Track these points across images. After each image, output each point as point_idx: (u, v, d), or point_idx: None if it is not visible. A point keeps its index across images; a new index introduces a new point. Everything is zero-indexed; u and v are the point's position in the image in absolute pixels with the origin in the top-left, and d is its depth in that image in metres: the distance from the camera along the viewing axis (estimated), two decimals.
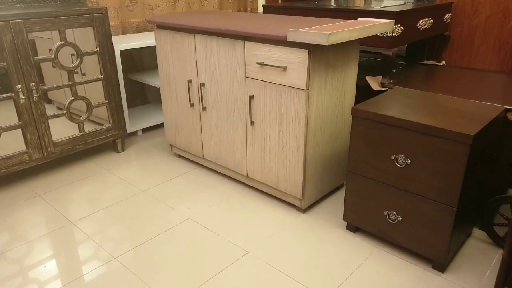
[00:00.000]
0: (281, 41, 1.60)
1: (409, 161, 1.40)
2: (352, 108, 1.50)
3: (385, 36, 2.13)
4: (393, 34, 2.12)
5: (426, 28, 2.39)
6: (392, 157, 1.43)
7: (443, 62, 2.78)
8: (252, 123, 1.81)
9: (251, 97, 1.77)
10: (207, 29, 1.81)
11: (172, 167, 2.29)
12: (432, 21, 2.43)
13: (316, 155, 1.74)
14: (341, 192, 1.99)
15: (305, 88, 1.57)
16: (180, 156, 2.41)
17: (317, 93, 1.63)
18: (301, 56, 1.53)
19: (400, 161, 1.42)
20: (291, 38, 1.49)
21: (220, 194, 2.00)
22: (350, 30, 1.49)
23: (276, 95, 1.68)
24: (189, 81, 2.05)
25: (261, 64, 1.67)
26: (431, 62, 2.80)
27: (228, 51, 1.80)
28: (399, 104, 1.53)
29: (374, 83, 2.26)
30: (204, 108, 2.03)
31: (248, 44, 1.70)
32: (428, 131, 1.33)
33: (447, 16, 2.62)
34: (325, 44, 1.40)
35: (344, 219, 1.67)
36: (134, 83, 3.02)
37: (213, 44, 1.85)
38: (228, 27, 1.73)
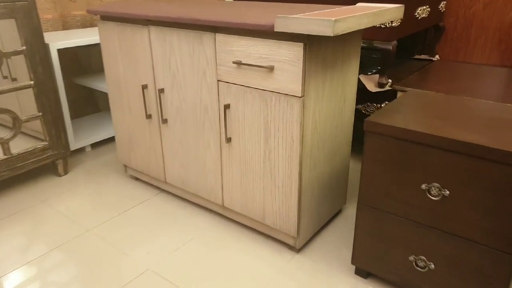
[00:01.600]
0: (266, 32, 1.19)
1: (447, 192, 1.03)
2: (366, 121, 1.11)
3: (382, 26, 1.77)
4: (392, 24, 1.76)
5: (423, 17, 2.05)
6: (423, 186, 1.06)
7: (437, 56, 2.46)
8: (228, 139, 1.40)
9: (226, 107, 1.35)
10: (164, 18, 1.37)
11: (127, 193, 1.83)
12: (429, 9, 2.10)
13: (313, 178, 1.35)
14: (340, 220, 1.61)
15: (300, 95, 1.17)
16: (137, 179, 1.96)
17: (313, 100, 1.24)
18: (294, 52, 1.13)
19: (434, 192, 1.05)
20: (280, 27, 1.09)
21: (189, 229, 1.57)
22: (358, 16, 1.11)
23: (260, 104, 1.27)
24: (144, 87, 1.60)
25: (238, 63, 1.25)
26: (423, 57, 2.49)
27: (193, 47, 1.38)
28: (423, 113, 1.16)
29: (369, 83, 1.90)
30: (165, 120, 1.59)
31: (220, 37, 1.29)
32: (475, 152, 0.96)
33: (442, 4, 2.30)
34: (330, 34, 1.01)
35: (353, 262, 1.29)
36: (81, 88, 2.52)
37: (173, 38, 1.42)
38: (192, 15, 1.31)
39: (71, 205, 1.75)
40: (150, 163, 1.75)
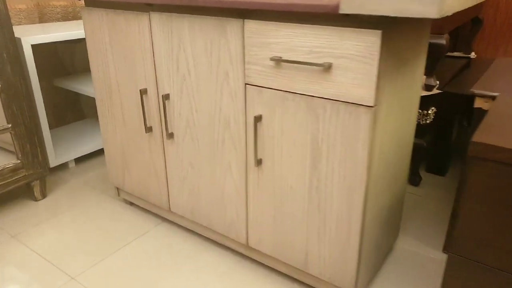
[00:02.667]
0: (323, 16, 0.85)
1: None
2: (473, 143, 0.77)
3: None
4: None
5: (467, 8, 1.74)
6: None
7: (473, 53, 2.15)
8: (258, 162, 1.05)
9: (257, 119, 1.01)
10: (171, 0, 1.02)
11: (121, 223, 1.47)
12: None
13: (375, 213, 1.01)
14: (394, 261, 1.28)
15: (371, 104, 0.83)
16: (132, 204, 1.60)
17: (385, 112, 0.90)
18: (366, 43, 0.79)
19: None
20: (349, 7, 0.75)
21: (205, 274, 1.21)
22: None
23: (306, 116, 0.93)
24: (143, 92, 1.24)
25: (278, 60, 0.91)
26: (457, 54, 2.18)
27: (211, 40, 1.03)
28: None
29: None
30: (170, 135, 1.23)
31: (251, 25, 0.94)
32: None
33: None
34: (434, 16, 0.67)
35: None
36: (63, 92, 2.14)
37: (183, 28, 1.07)
38: None
39: (50, 241, 1.38)
40: (150, 187, 1.39)
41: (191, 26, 1.05)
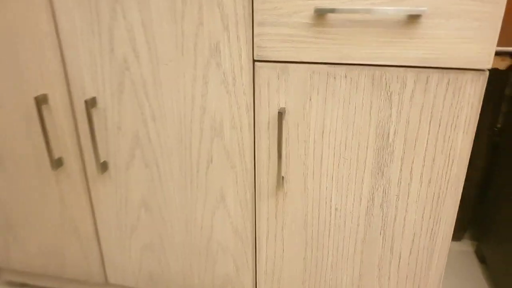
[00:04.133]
0: None
1: None
2: None
3: None
4: None
5: None
6: None
7: None
8: (279, 182, 0.67)
9: (282, 113, 0.62)
10: None
11: None
12: None
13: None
14: None
15: (488, 67, 0.55)
16: (24, 286, 1.01)
17: None
18: None
19: None
20: None
21: None
22: None
23: (369, 101, 0.60)
24: (41, 101, 0.72)
25: (325, 12, 0.55)
26: None
27: None
28: None
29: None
30: (103, 166, 0.74)
31: None
32: None
33: None
34: None
35: None
36: None
37: None
38: None
39: None
40: (66, 254, 0.86)
41: None
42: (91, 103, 0.69)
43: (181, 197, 0.74)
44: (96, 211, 0.80)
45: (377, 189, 0.65)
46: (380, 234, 0.68)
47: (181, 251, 0.79)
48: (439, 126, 0.59)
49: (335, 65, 0.59)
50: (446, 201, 0.63)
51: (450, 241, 0.68)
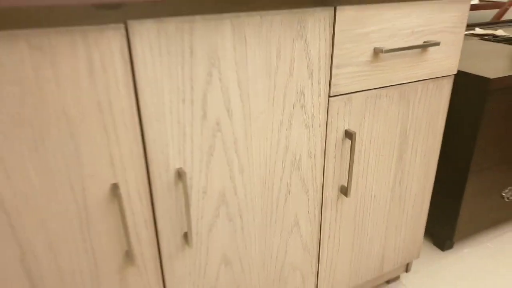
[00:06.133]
0: None
1: None
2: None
3: None
4: None
5: None
6: None
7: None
8: (343, 190, 0.81)
9: (350, 136, 0.76)
10: None
11: None
12: None
13: None
14: None
15: (455, 72, 0.85)
16: None
17: None
18: (460, 12, 0.79)
19: None
20: None
21: None
22: None
23: (397, 109, 0.81)
24: (115, 190, 0.59)
25: (379, 51, 0.72)
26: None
27: (277, 49, 0.63)
28: None
29: None
30: (184, 240, 0.68)
31: (347, 12, 0.67)
32: None
33: None
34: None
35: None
36: None
37: (221, 38, 0.58)
38: None
39: None
40: None
41: (237, 33, 0.60)
42: (179, 173, 0.63)
43: (261, 238, 0.77)
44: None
45: (398, 171, 0.89)
46: (398, 201, 0.93)
47: (258, 284, 0.81)
48: (431, 114, 0.87)
49: (380, 89, 0.77)
50: (431, 160, 0.93)
51: (433, 180, 1.00)
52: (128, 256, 0.64)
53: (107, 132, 0.56)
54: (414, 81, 0.81)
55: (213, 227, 0.71)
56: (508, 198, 1.24)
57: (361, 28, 0.70)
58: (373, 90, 0.77)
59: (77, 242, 0.60)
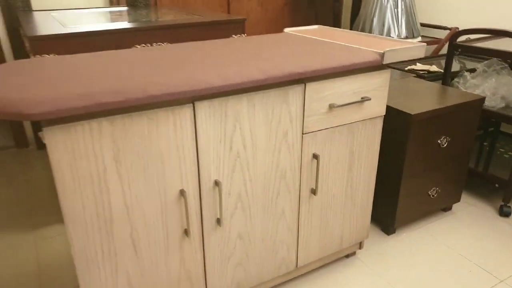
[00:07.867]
0: (364, 68, 1.21)
1: None
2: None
3: None
4: None
5: None
6: None
7: None
8: (312, 191, 1.27)
9: (316, 157, 1.23)
10: (236, 85, 0.98)
11: None
12: None
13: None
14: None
15: (383, 114, 1.33)
16: None
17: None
18: (383, 78, 1.27)
19: None
20: (388, 59, 1.20)
21: None
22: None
23: (346, 139, 1.28)
24: (182, 192, 1.03)
25: (333, 106, 1.19)
26: None
27: (273, 109, 1.09)
28: None
29: None
30: (217, 222, 1.13)
31: (313, 86, 1.13)
32: None
33: None
34: (422, 56, 1.27)
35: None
36: None
37: (241, 107, 1.04)
38: (279, 71, 1.05)
39: None
40: None
41: (250, 103, 1.05)
42: (215, 184, 1.08)
43: (261, 222, 1.22)
44: (207, 259, 1.15)
45: (349, 178, 1.35)
46: (351, 197, 1.39)
47: (259, 255, 1.26)
48: (370, 141, 1.34)
49: (335, 127, 1.24)
50: (372, 169, 1.40)
51: (374, 182, 1.47)
52: (185, 232, 1.08)
53: (180, 160, 1.00)
54: (356, 121, 1.28)
55: (234, 215, 1.15)
56: (433, 196, 1.73)
57: (321, 93, 1.16)
58: (330, 128, 1.23)
59: (160, 223, 1.03)
